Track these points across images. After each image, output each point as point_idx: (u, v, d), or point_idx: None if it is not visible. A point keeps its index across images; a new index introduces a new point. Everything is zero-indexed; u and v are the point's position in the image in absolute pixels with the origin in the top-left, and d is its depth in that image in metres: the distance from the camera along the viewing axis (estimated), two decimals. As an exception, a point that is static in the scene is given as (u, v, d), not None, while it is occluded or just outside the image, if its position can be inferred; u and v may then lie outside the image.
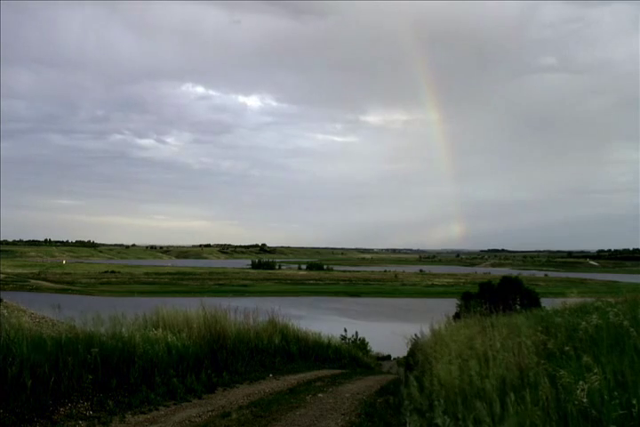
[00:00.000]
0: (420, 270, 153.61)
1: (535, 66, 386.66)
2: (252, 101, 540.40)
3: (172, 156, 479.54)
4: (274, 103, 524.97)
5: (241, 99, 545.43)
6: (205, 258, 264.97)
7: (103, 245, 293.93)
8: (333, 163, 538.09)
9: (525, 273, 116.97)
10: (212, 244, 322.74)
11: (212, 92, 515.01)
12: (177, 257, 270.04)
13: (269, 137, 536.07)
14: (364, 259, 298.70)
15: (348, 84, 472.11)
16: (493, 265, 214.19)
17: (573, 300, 9.49)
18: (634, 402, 3.33)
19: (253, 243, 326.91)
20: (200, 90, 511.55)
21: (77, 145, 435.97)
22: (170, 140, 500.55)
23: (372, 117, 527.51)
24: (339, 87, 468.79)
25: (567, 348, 5.06)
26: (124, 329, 8.06)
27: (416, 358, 9.11)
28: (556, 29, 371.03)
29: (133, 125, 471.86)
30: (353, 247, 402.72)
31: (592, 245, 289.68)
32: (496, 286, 22.24)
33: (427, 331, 11.11)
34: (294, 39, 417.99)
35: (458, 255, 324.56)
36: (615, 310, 6.34)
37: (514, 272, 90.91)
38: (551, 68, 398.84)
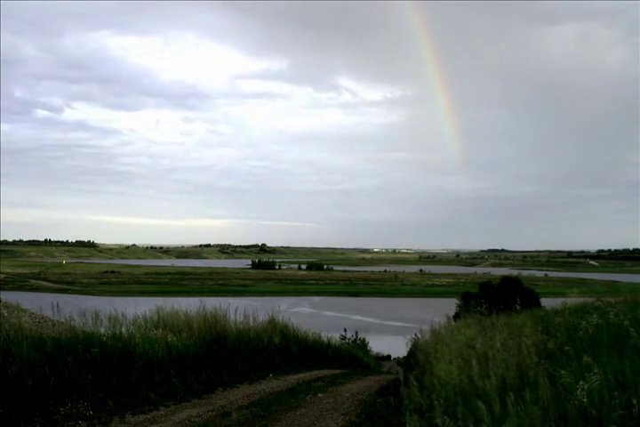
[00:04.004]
0: (420, 270, 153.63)
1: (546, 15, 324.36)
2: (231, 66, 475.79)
3: (152, 143, 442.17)
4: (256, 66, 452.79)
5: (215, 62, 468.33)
6: (205, 258, 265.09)
7: (103, 245, 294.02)
8: (331, 151, 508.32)
9: (525, 273, 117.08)
10: (211, 244, 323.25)
11: (174, 47, 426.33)
12: (177, 257, 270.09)
13: (258, 114, 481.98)
14: (364, 259, 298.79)
15: (326, 52, 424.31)
16: (493, 265, 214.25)
17: (573, 300, 9.49)
18: (634, 402, 3.33)
19: (253, 243, 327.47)
20: (163, 46, 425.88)
21: (39, 132, 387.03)
22: (143, 124, 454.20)
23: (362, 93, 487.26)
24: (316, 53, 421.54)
25: (567, 348, 5.06)
26: (124, 329, 8.05)
27: (416, 357, 9.10)
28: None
29: (91, 102, 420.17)
30: (353, 247, 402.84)
31: (592, 245, 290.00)
32: (496, 286, 22.26)
33: (427, 331, 11.10)
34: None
35: (458, 255, 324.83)
36: (615, 310, 6.35)
37: (514, 272, 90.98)
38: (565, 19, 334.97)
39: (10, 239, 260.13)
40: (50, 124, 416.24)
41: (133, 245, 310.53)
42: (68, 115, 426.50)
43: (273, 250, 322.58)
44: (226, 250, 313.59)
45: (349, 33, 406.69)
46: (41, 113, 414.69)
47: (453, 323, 11.12)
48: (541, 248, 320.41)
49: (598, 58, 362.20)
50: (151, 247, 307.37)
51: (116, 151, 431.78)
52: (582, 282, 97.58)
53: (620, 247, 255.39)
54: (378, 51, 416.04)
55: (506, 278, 23.96)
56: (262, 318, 11.52)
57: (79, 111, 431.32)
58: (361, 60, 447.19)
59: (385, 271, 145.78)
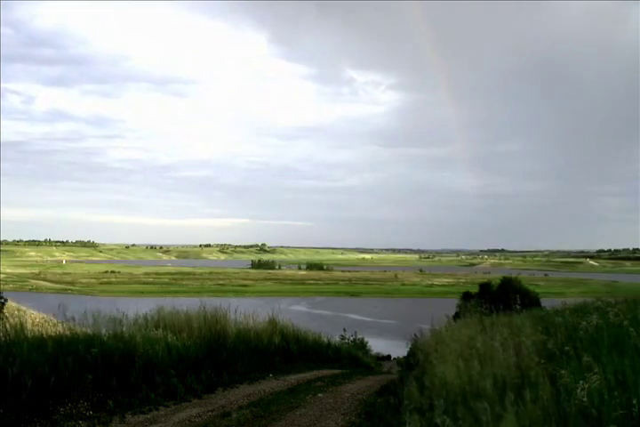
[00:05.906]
0: (420, 270, 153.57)
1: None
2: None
3: (145, 136, 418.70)
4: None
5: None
6: (205, 258, 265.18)
7: (103, 245, 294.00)
8: (334, 146, 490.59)
9: (525, 273, 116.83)
10: (211, 243, 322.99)
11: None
12: (177, 257, 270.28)
13: (255, 105, 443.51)
14: (364, 259, 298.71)
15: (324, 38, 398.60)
16: (493, 265, 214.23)
17: (573, 300, 9.49)
18: (634, 402, 3.33)
19: (253, 243, 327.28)
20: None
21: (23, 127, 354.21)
22: (132, 114, 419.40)
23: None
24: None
25: (567, 348, 5.06)
26: (124, 329, 8.06)
27: (416, 357, 9.10)
28: None
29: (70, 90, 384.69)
30: (353, 247, 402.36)
31: (592, 245, 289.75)
32: (496, 286, 22.22)
33: (427, 331, 11.09)
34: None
35: (458, 255, 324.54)
36: (615, 310, 6.35)
37: (514, 272, 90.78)
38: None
39: (10, 239, 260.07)
40: (31, 115, 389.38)
41: (133, 245, 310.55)
42: (48, 105, 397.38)
43: (273, 250, 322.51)
44: (226, 250, 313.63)
45: (354, 23, 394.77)
46: (17, 101, 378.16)
47: (453, 323, 11.10)
48: (541, 248, 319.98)
49: (607, 44, 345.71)
50: (151, 247, 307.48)
51: (108, 145, 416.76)
52: (582, 282, 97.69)
53: (620, 247, 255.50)
54: (382, 43, 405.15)
55: (506, 279, 23.91)
56: (262, 318, 11.53)
57: (57, 100, 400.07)
58: (365, 52, 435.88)
59: (385, 271, 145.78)
